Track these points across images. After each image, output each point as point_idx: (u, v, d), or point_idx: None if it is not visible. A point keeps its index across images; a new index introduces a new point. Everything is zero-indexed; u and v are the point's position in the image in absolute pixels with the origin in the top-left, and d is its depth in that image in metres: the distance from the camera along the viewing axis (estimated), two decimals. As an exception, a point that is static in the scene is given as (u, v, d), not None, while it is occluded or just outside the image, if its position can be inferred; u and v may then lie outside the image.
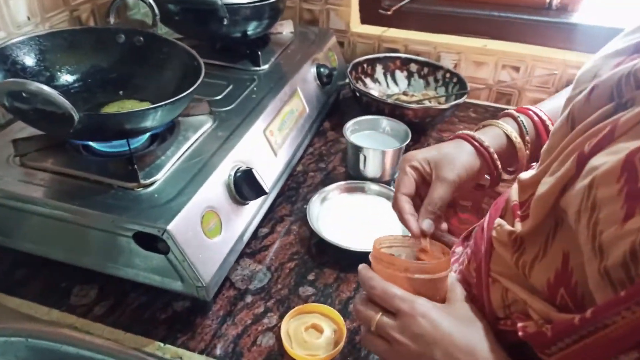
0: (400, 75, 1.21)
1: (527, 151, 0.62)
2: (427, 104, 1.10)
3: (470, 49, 1.20)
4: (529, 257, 0.42)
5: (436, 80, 1.18)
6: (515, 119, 0.63)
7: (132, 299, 0.70)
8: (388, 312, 0.48)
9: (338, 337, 0.65)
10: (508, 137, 0.62)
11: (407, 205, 0.59)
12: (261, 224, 0.82)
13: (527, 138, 0.62)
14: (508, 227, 0.45)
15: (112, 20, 0.81)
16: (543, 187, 0.41)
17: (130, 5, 1.13)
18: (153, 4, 0.80)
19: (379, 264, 0.51)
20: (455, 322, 0.46)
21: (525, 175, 0.48)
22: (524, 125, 0.62)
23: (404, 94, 1.18)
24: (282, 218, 0.85)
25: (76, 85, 0.78)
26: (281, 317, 0.68)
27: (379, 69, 1.21)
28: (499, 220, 0.47)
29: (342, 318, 0.66)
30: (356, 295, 0.71)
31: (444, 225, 0.60)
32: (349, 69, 1.13)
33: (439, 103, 1.12)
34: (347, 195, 0.86)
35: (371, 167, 0.89)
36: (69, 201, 0.63)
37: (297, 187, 0.93)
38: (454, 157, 0.59)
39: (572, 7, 1.16)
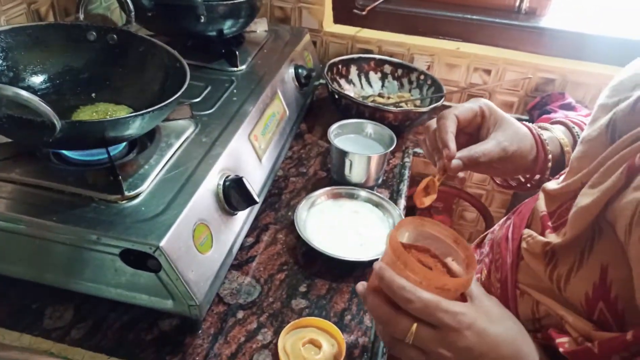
0: (375, 77, 1.20)
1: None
2: (404, 106, 1.09)
3: (444, 51, 1.20)
4: (563, 269, 0.41)
5: (410, 82, 1.18)
6: (570, 129, 0.62)
7: (112, 320, 0.65)
8: (423, 321, 0.44)
9: (337, 352, 0.63)
10: (562, 146, 0.61)
11: (453, 126, 0.56)
12: (246, 234, 0.78)
13: None
14: (541, 238, 0.44)
15: (81, 16, 0.75)
16: (586, 198, 0.40)
17: (92, -1, 1.05)
18: (127, -1, 0.75)
19: (411, 273, 0.46)
20: (500, 330, 0.43)
21: (551, 185, 0.47)
22: (577, 133, 0.61)
23: (380, 95, 1.17)
24: (266, 226, 0.82)
25: (43, 86, 0.71)
26: (276, 333, 0.65)
27: (354, 70, 1.20)
28: (528, 231, 0.47)
29: (339, 331, 0.64)
30: (353, 306, 0.70)
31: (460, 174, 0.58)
32: (325, 70, 1.11)
33: (415, 105, 1.12)
34: (334, 202, 0.84)
35: (356, 172, 0.87)
36: (45, 216, 0.57)
37: (279, 193, 0.90)
38: (517, 133, 0.58)
39: (540, 12, 1.19)
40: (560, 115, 1.06)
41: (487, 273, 0.52)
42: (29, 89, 0.69)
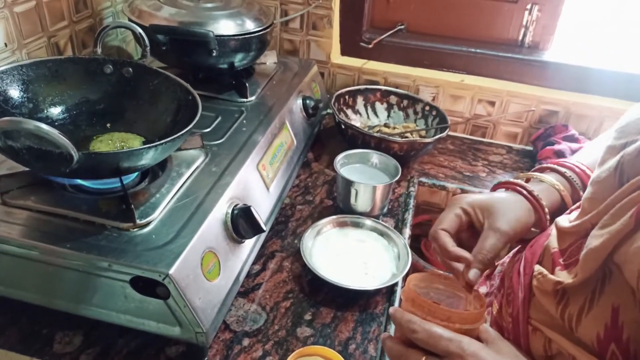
0: (380, 107, 1.23)
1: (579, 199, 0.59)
2: (409, 136, 1.12)
3: (448, 83, 1.23)
4: (574, 309, 0.42)
5: (415, 113, 1.21)
6: (562, 174, 0.62)
7: (121, 346, 0.66)
8: (432, 354, 0.46)
9: (342, 381, 0.63)
10: (559, 193, 0.60)
11: (449, 239, 0.55)
12: (253, 261, 0.80)
13: (581, 193, 0.59)
14: (552, 277, 0.45)
15: (99, 50, 0.78)
16: (595, 240, 0.40)
17: (108, 32, 1.09)
18: (143, 34, 0.78)
19: (418, 310, 0.49)
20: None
21: (563, 222, 0.48)
22: (575, 182, 0.61)
23: (386, 125, 1.19)
24: (273, 254, 0.84)
25: (61, 117, 0.74)
26: (281, 361, 0.66)
27: (360, 101, 1.22)
28: (539, 268, 0.47)
29: (343, 360, 0.65)
30: (357, 335, 0.70)
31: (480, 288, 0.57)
32: (332, 101, 1.14)
33: (420, 135, 1.14)
34: (340, 230, 0.86)
35: (362, 201, 0.89)
36: (59, 244, 0.59)
37: (285, 221, 0.91)
38: (509, 208, 0.56)
39: (543, 46, 1.22)
40: (563, 146, 1.08)
41: (499, 307, 0.53)
42: (47, 119, 0.72)
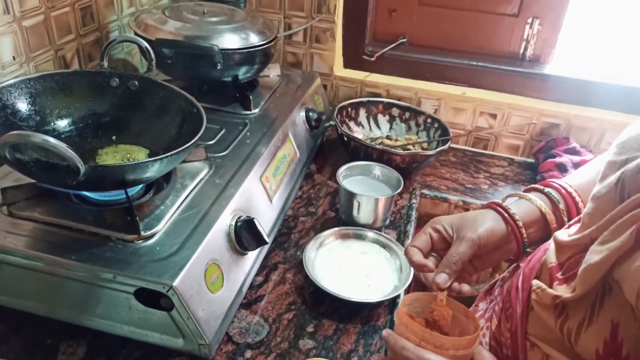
0: (383, 119, 1.24)
1: (565, 219, 0.61)
2: (411, 148, 1.12)
3: (450, 96, 1.24)
4: (573, 322, 0.42)
5: (417, 125, 1.22)
6: (541, 191, 0.64)
7: (124, 356, 0.66)
8: None
9: (344, 393, 0.64)
10: (539, 209, 0.62)
11: (416, 254, 0.60)
12: (255, 273, 0.80)
13: (561, 206, 0.61)
14: (551, 291, 0.45)
15: (105, 63, 0.79)
16: (594, 256, 0.41)
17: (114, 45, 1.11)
18: (149, 48, 0.79)
19: (411, 334, 0.51)
20: None
21: (562, 236, 0.48)
22: (554, 196, 0.63)
23: (388, 137, 1.20)
24: (275, 265, 0.84)
25: (67, 129, 0.75)
26: (283, 373, 0.66)
27: (362, 113, 1.23)
28: (537, 283, 0.48)
29: (346, 373, 0.65)
30: (360, 347, 0.70)
31: (465, 287, 0.59)
32: (335, 113, 1.15)
33: (422, 148, 1.15)
34: (342, 242, 0.86)
35: (364, 213, 0.89)
36: (66, 255, 0.59)
37: (288, 233, 0.92)
38: (477, 220, 0.60)
39: (544, 59, 1.23)
40: (565, 159, 1.08)
41: (498, 322, 0.53)
42: (54, 132, 0.73)
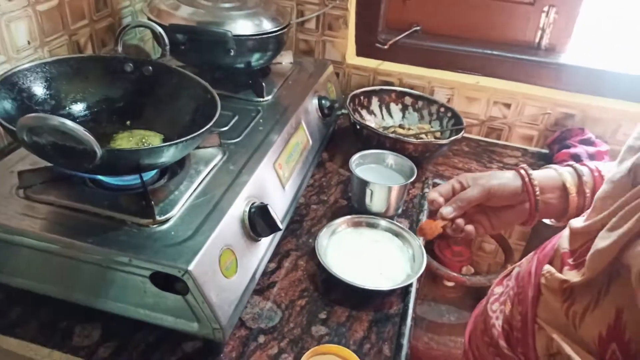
0: (395, 108, 1.23)
1: (584, 200, 0.62)
2: (424, 137, 1.12)
3: (464, 85, 1.23)
4: (579, 307, 0.42)
5: (430, 114, 1.21)
6: (572, 167, 0.64)
7: (138, 340, 0.67)
8: None
9: (356, 379, 0.64)
10: (561, 177, 0.63)
11: (434, 193, 0.66)
12: (268, 259, 0.80)
13: (588, 184, 0.62)
14: (559, 275, 0.46)
15: (119, 49, 0.79)
16: (602, 241, 0.41)
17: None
18: (163, 34, 0.79)
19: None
20: None
21: (576, 223, 0.48)
22: (582, 172, 0.63)
23: (400, 126, 1.19)
24: (288, 252, 0.84)
25: (82, 114, 0.75)
26: (296, 359, 0.66)
27: (375, 101, 1.22)
28: (548, 267, 0.48)
29: (358, 359, 0.65)
30: (372, 335, 0.71)
31: (469, 227, 0.64)
32: (347, 101, 1.14)
33: (435, 137, 1.14)
34: (355, 230, 0.86)
35: (377, 202, 0.89)
36: (82, 238, 0.60)
37: (300, 220, 0.92)
38: (495, 174, 0.65)
39: (560, 48, 1.21)
40: (580, 150, 1.07)
41: (511, 306, 0.54)
42: (69, 116, 0.74)
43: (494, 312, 0.61)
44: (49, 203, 0.65)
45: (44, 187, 0.67)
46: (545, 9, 1.17)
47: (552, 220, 0.67)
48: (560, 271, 0.46)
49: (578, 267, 0.45)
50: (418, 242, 0.82)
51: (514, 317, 0.51)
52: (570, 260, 0.46)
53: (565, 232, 0.50)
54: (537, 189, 0.61)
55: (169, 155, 0.63)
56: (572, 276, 0.44)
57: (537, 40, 1.22)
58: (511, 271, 0.64)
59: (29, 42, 0.84)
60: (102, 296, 0.64)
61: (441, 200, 0.65)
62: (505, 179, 0.64)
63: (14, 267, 0.66)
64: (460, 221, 0.64)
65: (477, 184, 0.63)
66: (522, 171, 0.63)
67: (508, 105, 1.22)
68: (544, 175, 0.63)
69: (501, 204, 0.64)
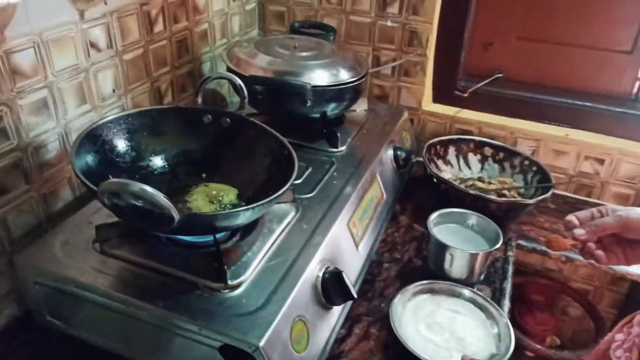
0: (474, 159, 1.16)
1: None
2: (507, 194, 1.04)
3: (551, 137, 1.14)
4: None
5: (512, 167, 1.13)
6: None
7: (200, 408, 0.63)
8: None
9: None
10: None
11: (573, 218, 0.65)
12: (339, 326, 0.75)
13: None
14: None
15: (199, 100, 0.79)
16: None
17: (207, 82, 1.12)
18: (243, 86, 0.78)
19: None
20: None
21: None
22: None
23: (480, 179, 1.12)
24: (359, 317, 0.79)
25: (160, 166, 0.75)
26: None
27: (452, 151, 1.16)
28: None
29: None
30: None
31: (599, 252, 0.63)
32: (424, 152, 1.09)
33: (519, 193, 1.06)
34: (432, 297, 0.79)
35: (457, 268, 0.82)
36: (153, 301, 0.58)
37: (372, 280, 0.86)
38: (634, 207, 0.63)
39: (661, 101, 1.10)
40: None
41: (638, 353, 0.53)
42: (147, 168, 0.74)
43: (618, 359, 0.62)
44: (122, 259, 0.64)
45: (118, 241, 0.66)
46: (646, 58, 1.08)
47: None
48: None
49: None
50: (505, 320, 0.74)
51: None
52: None
53: None
54: None
55: (245, 218, 0.60)
56: None
57: (634, 91, 1.12)
58: (632, 319, 0.63)
59: (114, 90, 0.86)
60: (162, 358, 0.62)
61: (577, 222, 0.64)
62: None
63: (84, 321, 0.66)
64: (591, 245, 0.63)
65: (612, 212, 0.63)
66: None
67: (601, 161, 1.11)
68: None
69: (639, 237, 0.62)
